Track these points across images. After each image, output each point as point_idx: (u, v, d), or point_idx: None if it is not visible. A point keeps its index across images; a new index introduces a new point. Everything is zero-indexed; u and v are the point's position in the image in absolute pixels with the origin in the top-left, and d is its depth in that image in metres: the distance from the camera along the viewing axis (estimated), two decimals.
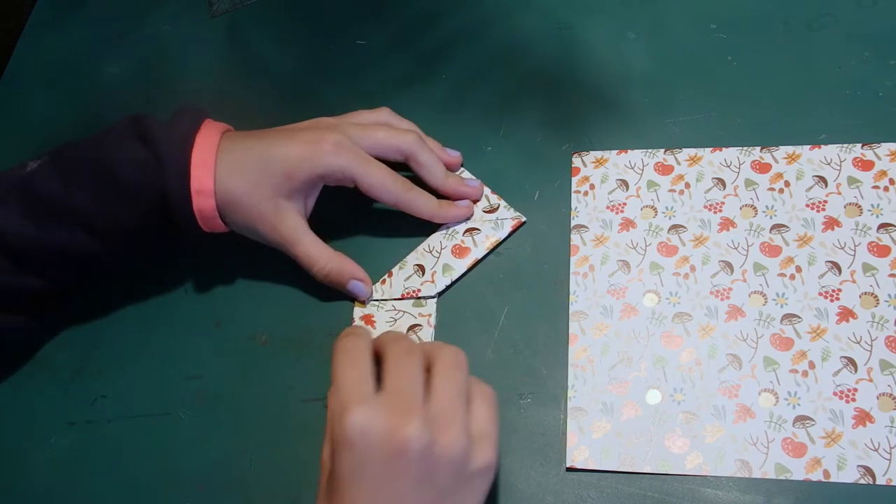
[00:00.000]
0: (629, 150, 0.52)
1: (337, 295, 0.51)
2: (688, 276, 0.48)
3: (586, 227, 0.50)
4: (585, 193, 0.52)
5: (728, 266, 0.48)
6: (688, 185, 0.51)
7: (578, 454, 0.44)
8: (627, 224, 0.50)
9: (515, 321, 0.49)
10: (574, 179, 0.52)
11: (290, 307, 0.52)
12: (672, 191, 0.51)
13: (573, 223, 0.51)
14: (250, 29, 0.65)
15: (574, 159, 0.53)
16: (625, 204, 0.51)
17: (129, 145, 0.47)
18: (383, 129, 0.50)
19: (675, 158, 0.52)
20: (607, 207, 0.51)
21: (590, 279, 0.49)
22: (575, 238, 0.50)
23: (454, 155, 0.53)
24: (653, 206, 0.50)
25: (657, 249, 0.49)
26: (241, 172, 0.47)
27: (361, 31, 0.62)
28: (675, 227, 0.49)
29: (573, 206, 0.51)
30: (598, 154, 0.53)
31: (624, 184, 0.51)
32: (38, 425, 0.51)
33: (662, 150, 0.52)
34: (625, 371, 0.46)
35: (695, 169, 0.51)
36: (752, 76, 0.54)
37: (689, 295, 0.47)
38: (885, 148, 0.49)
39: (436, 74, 0.59)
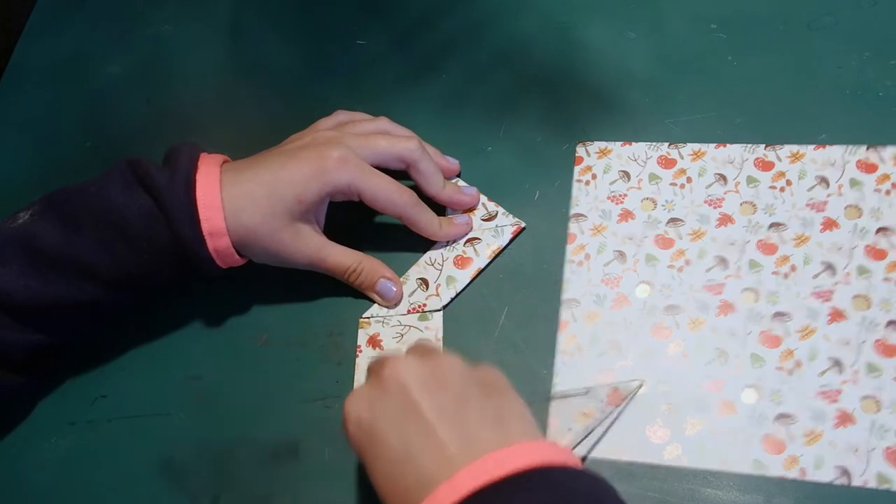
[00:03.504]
0: (633, 143, 0.52)
1: (337, 295, 0.51)
2: (682, 270, 0.48)
3: (585, 217, 0.51)
4: (587, 183, 0.52)
5: (723, 261, 0.48)
6: (689, 180, 0.51)
7: (561, 440, 0.44)
8: (626, 215, 0.50)
9: (515, 321, 0.49)
10: (576, 169, 0.52)
11: (290, 307, 0.51)
12: (673, 184, 0.51)
13: (572, 212, 0.51)
14: (250, 29, 0.65)
15: (578, 149, 0.53)
16: (625, 195, 0.51)
17: (134, 194, 0.45)
18: (384, 137, 0.49)
19: (679, 153, 0.52)
20: (608, 198, 0.51)
21: (584, 267, 0.49)
22: (573, 227, 0.50)
23: (453, 163, 0.53)
24: (653, 199, 0.50)
25: (654, 241, 0.49)
26: (251, 205, 0.46)
27: (361, 31, 0.62)
28: (674, 221, 0.50)
29: (573, 196, 0.51)
30: (603, 145, 0.53)
31: (626, 175, 0.52)
32: (38, 425, 0.51)
33: (667, 143, 0.52)
34: (612, 360, 0.46)
35: (697, 164, 0.51)
36: (752, 76, 0.54)
37: (682, 288, 0.47)
38: (890, 151, 0.49)
39: (436, 74, 0.59)
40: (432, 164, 0.50)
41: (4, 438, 0.50)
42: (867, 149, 0.49)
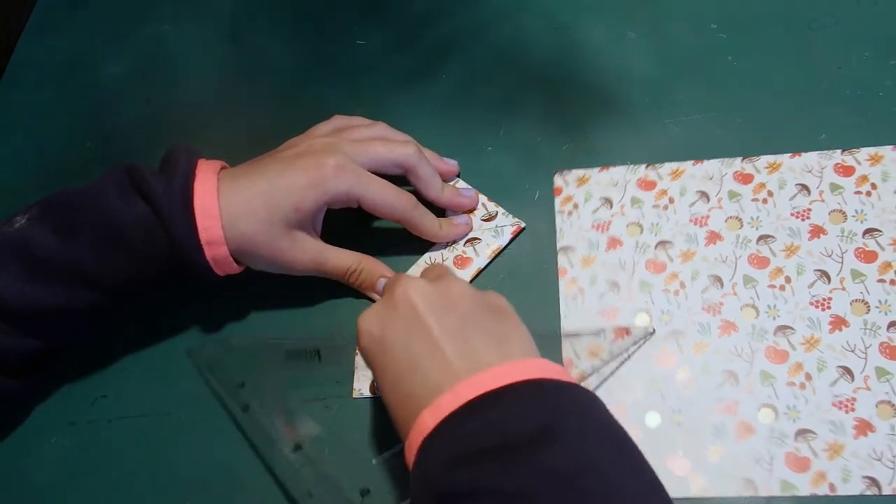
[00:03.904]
0: (611, 167, 0.52)
1: (337, 295, 0.51)
2: (678, 293, 0.47)
3: (573, 248, 0.50)
4: (570, 213, 0.51)
5: (718, 280, 0.47)
6: (672, 200, 0.50)
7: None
8: (614, 242, 0.50)
9: None
10: (557, 199, 0.52)
11: (289, 308, 0.51)
12: (656, 206, 0.50)
13: (559, 245, 0.50)
14: (250, 29, 0.65)
15: (556, 178, 0.52)
16: (610, 222, 0.50)
17: (131, 201, 0.45)
18: (381, 143, 0.49)
19: (658, 173, 0.51)
20: (592, 226, 0.50)
21: (580, 301, 0.48)
22: (562, 260, 0.50)
23: (451, 164, 0.53)
24: (638, 223, 0.50)
25: (645, 267, 0.48)
26: (248, 214, 0.46)
27: (361, 31, 0.62)
28: (662, 244, 0.49)
29: (558, 227, 0.51)
30: (581, 172, 0.52)
31: (608, 201, 0.51)
32: (38, 425, 0.51)
33: (644, 165, 0.52)
34: (622, 394, 0.45)
35: (678, 183, 0.51)
36: (752, 76, 0.54)
37: (681, 312, 0.47)
38: (865, 153, 0.49)
39: (436, 74, 0.59)
40: (430, 169, 0.50)
41: (4, 438, 0.50)
42: (842, 153, 0.49)
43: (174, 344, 0.52)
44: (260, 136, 0.57)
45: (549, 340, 0.47)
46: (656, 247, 0.49)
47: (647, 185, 0.51)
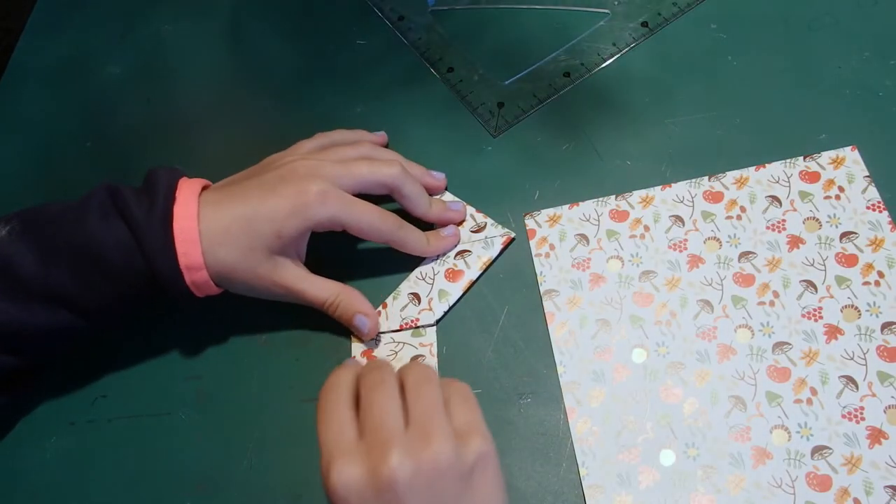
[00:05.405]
0: (581, 203, 0.51)
1: None
2: (670, 323, 0.46)
3: (557, 291, 0.49)
4: (547, 255, 0.50)
5: (707, 304, 0.47)
6: (647, 228, 0.50)
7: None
8: (597, 279, 0.49)
9: (516, 321, 0.49)
10: (532, 243, 0.51)
11: (290, 308, 0.51)
12: (633, 236, 0.50)
13: (542, 289, 0.49)
14: (250, 29, 0.65)
15: (527, 221, 0.52)
16: (589, 259, 0.49)
17: (112, 225, 0.45)
18: (365, 164, 0.48)
19: (628, 203, 0.51)
20: (573, 266, 0.49)
21: (573, 345, 0.47)
22: (548, 305, 0.48)
23: (439, 178, 0.53)
24: (618, 256, 0.49)
25: (633, 300, 0.48)
26: (229, 241, 0.45)
27: (361, 31, 0.62)
28: (646, 274, 0.48)
29: (538, 272, 0.50)
30: (551, 211, 0.52)
31: (584, 238, 0.50)
32: (38, 425, 0.51)
33: (614, 196, 0.51)
34: (632, 437, 0.44)
35: (650, 210, 0.50)
36: (752, 76, 0.54)
37: (676, 342, 0.46)
38: (826, 156, 0.49)
39: (435, 74, 0.59)
40: (416, 187, 0.50)
41: (4, 438, 0.50)
42: (805, 159, 0.49)
43: (174, 344, 0.52)
44: (260, 135, 0.58)
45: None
46: (640, 278, 0.48)
47: (620, 215, 0.50)
